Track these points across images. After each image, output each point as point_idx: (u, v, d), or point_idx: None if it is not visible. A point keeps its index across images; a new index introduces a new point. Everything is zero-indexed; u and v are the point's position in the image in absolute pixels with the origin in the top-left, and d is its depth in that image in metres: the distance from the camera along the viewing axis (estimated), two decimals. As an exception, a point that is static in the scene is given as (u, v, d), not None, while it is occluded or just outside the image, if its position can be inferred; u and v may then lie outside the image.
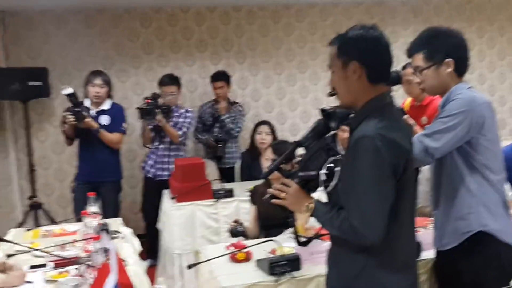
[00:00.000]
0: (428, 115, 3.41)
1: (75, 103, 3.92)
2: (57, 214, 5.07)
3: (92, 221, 2.55)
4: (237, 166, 4.78)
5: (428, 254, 2.36)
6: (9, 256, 2.53)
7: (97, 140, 4.04)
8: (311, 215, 1.78)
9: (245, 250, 2.51)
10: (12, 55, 4.91)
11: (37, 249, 2.57)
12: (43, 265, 2.43)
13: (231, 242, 2.69)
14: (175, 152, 4.47)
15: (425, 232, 2.52)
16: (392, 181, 1.62)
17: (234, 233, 3.03)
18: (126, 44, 5.17)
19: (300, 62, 5.60)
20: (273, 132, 4.53)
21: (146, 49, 5.22)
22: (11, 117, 4.97)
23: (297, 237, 1.98)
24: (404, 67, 3.54)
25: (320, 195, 1.83)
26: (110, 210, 4.03)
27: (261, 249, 2.51)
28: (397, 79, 2.65)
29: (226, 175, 4.80)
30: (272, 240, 2.48)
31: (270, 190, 1.89)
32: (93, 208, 2.65)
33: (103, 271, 1.71)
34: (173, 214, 3.82)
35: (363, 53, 1.68)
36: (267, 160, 3.29)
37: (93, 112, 4.09)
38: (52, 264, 2.42)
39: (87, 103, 4.12)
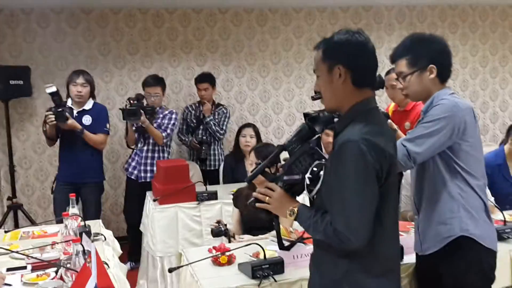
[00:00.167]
0: (411, 120, 3.44)
1: (58, 103, 3.87)
2: (38, 215, 5.01)
3: (73, 222, 2.52)
4: (221, 168, 4.76)
5: (410, 258, 2.38)
6: (-14, 258, 2.48)
7: (79, 141, 3.99)
8: (295, 219, 1.78)
9: (227, 253, 2.49)
10: (-7, 53, 4.84)
11: (15, 251, 2.52)
12: (23, 268, 2.38)
13: (214, 245, 2.67)
14: (158, 154, 4.44)
15: (407, 237, 2.53)
16: (376, 185, 1.63)
17: (216, 233, 3.02)
18: (110, 44, 5.12)
19: (285, 65, 5.61)
20: (257, 134, 4.53)
21: (130, 49, 5.18)
22: (-9, 116, 4.90)
23: (280, 240, 1.97)
24: (388, 72, 3.57)
25: (303, 198, 1.82)
26: (91, 211, 3.99)
27: (244, 252, 2.49)
28: (380, 84, 2.66)
29: (210, 177, 4.79)
30: (255, 243, 2.47)
31: (254, 194, 1.88)
32: (74, 209, 2.61)
33: (82, 274, 1.68)
34: (156, 216, 3.79)
35: (348, 57, 1.68)
36: (251, 164, 3.28)
37: (74, 112, 4.04)
38: (30, 267, 2.37)
39: (69, 103, 4.07)
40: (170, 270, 2.47)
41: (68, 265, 2.08)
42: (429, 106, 2.15)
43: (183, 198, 3.81)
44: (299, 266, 2.36)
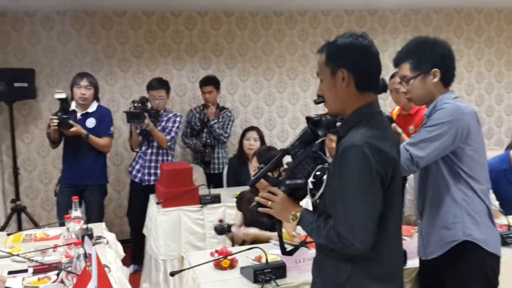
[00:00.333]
0: (415, 124, 3.42)
1: (65, 109, 3.88)
2: (41, 217, 5.02)
3: (75, 225, 2.51)
4: (225, 171, 4.75)
5: (413, 263, 2.36)
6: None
7: (83, 144, 3.99)
8: (298, 224, 1.77)
9: (229, 257, 2.48)
10: (-2, 55, 4.86)
11: (16, 255, 2.52)
12: (24, 271, 2.38)
13: (216, 248, 2.66)
14: (162, 157, 4.43)
15: (410, 241, 2.51)
16: (380, 189, 1.61)
17: (219, 231, 3.02)
18: (115, 47, 5.13)
19: (290, 69, 5.61)
20: (261, 138, 4.52)
21: (135, 52, 5.19)
22: (-5, 118, 4.92)
23: (282, 245, 1.96)
24: (392, 76, 3.55)
25: (307, 202, 1.81)
26: (94, 214, 3.99)
27: (246, 256, 2.48)
28: (383, 88, 2.65)
29: (214, 180, 4.78)
30: (257, 247, 2.45)
31: (257, 198, 1.87)
32: (77, 212, 2.61)
33: (82, 278, 1.68)
34: (159, 219, 3.79)
35: (351, 61, 1.67)
36: (254, 167, 3.28)
37: (78, 114, 4.04)
38: (32, 270, 2.37)
39: (73, 105, 4.07)
40: (172, 274, 2.46)
41: (69, 269, 2.08)
42: (432, 110, 2.13)
43: (187, 201, 3.81)
44: (301, 270, 2.35)
